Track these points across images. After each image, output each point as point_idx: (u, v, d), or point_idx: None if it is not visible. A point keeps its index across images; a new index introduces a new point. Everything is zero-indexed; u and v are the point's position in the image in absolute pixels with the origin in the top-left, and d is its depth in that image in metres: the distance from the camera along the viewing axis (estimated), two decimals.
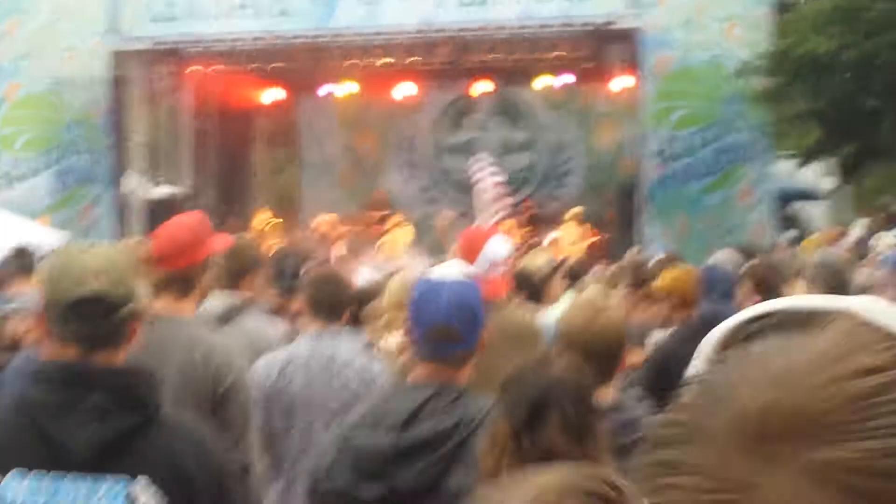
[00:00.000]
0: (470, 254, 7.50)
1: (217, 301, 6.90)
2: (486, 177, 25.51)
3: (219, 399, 5.82)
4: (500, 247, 7.74)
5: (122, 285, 3.96)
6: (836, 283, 8.23)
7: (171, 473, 3.77)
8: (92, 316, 3.91)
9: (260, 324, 7.61)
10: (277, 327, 7.88)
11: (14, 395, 3.90)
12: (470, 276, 5.58)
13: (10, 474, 3.72)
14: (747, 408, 0.97)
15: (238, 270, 7.44)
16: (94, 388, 3.77)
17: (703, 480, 0.97)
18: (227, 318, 6.98)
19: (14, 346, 8.33)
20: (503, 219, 25.28)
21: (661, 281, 9.34)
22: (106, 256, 4.22)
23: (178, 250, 6.25)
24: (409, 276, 8.03)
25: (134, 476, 3.71)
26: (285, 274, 8.82)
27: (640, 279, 10.65)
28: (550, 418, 3.66)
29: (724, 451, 0.96)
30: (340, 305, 7.24)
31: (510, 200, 25.08)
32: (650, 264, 14.01)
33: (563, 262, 14.79)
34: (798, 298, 1.17)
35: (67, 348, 3.92)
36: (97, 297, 3.91)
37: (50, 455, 3.72)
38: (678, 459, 1.00)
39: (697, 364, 1.20)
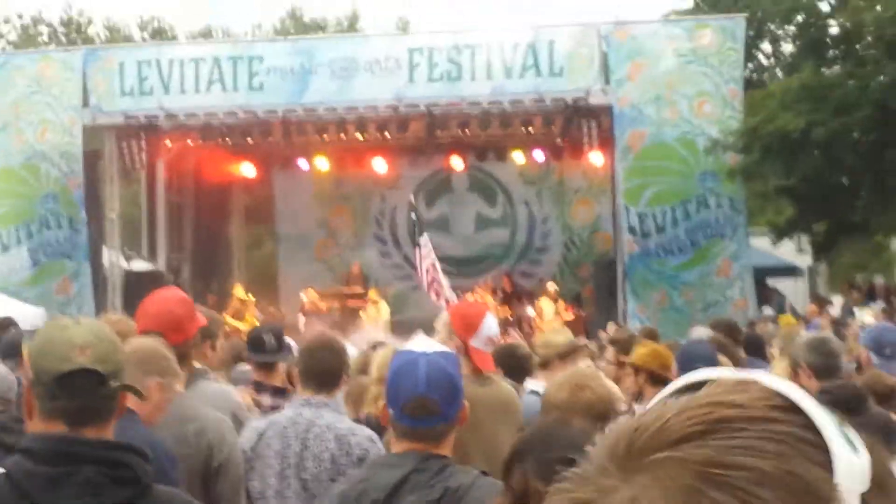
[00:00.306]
0: (465, 329, 7.53)
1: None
2: (426, 260, 25.70)
3: (212, 474, 5.86)
4: (494, 323, 7.81)
5: (108, 360, 3.91)
6: (828, 358, 8.27)
7: None
8: (79, 391, 3.86)
9: (219, 388, 7.65)
10: (234, 394, 7.87)
11: (5, 471, 3.89)
12: (447, 349, 5.59)
13: None
14: (622, 430, 1.17)
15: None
16: (86, 462, 3.73)
17: (583, 486, 1.16)
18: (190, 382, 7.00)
19: None
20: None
21: (633, 356, 9.35)
22: (91, 331, 4.21)
23: (172, 326, 6.28)
24: (388, 352, 8.09)
25: None
26: (267, 348, 8.80)
27: (623, 353, 10.66)
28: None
29: (601, 465, 1.16)
30: (336, 374, 7.25)
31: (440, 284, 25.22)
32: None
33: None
34: (717, 372, 1.28)
35: (55, 424, 3.87)
36: (84, 372, 3.87)
37: None
38: (576, 474, 1.19)
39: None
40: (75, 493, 3.68)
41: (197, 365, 7.09)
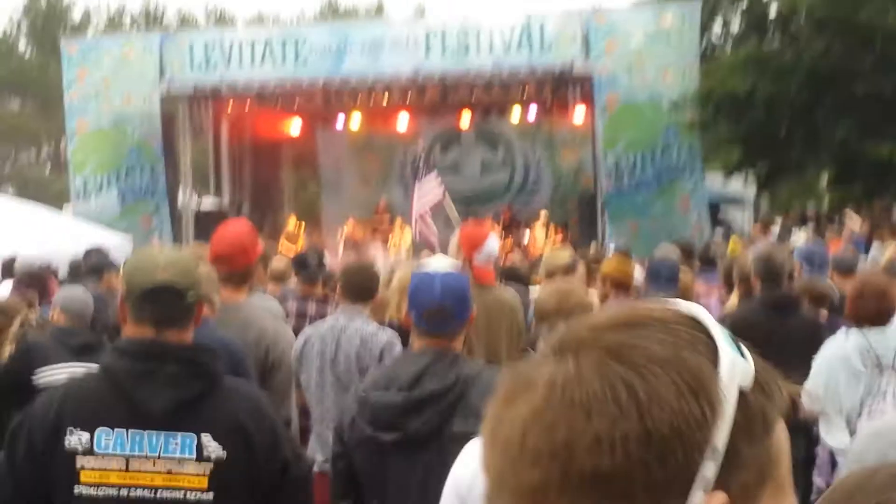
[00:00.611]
0: (470, 247, 7.61)
1: None
2: (430, 187, 25.87)
3: (268, 369, 5.91)
4: (495, 244, 7.89)
5: (186, 277, 3.98)
6: (772, 270, 8.28)
7: (232, 430, 3.78)
8: (162, 302, 3.94)
9: (265, 301, 7.74)
10: (275, 303, 7.94)
11: (102, 367, 3.93)
12: (456, 267, 5.66)
13: (98, 430, 3.73)
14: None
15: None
16: (168, 360, 3.81)
17: (525, 366, 1.25)
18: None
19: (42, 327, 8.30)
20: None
21: (603, 268, 9.41)
22: (173, 255, 4.31)
23: (237, 252, 6.35)
24: (409, 270, 8.16)
25: (202, 432, 3.74)
26: (309, 268, 8.89)
27: (592, 267, 10.69)
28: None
29: (544, 352, 1.26)
30: (368, 289, 7.36)
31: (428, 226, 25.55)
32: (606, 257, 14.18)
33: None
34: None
35: (143, 328, 3.94)
36: (166, 286, 3.95)
37: (131, 415, 3.73)
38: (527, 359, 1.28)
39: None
40: (160, 386, 3.74)
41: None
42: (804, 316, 7.90)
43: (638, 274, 10.43)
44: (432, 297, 4.57)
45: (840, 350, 6.45)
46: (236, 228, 6.87)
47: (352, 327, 6.78)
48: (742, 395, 1.22)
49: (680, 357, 1.20)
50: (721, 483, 1.17)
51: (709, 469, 1.16)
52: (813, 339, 6.97)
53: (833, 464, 6.29)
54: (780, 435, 1.28)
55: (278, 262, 11.13)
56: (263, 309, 7.22)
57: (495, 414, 1.23)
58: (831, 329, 7.74)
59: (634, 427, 1.15)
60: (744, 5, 30.99)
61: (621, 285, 8.65)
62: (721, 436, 1.18)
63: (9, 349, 7.74)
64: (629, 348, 1.20)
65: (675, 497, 1.16)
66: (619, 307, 1.29)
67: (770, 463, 1.26)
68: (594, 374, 1.18)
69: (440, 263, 5.76)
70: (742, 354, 1.26)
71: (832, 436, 6.44)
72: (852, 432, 6.18)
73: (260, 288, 7.72)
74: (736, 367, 1.22)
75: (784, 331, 7.10)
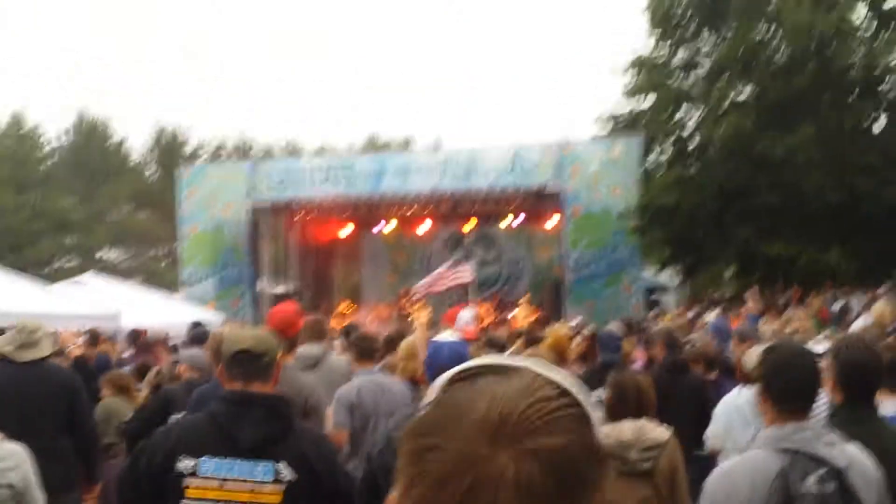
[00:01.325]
0: (450, 320, 7.77)
1: (311, 349, 7.07)
2: (452, 271, 25.92)
3: (306, 413, 5.88)
4: (467, 314, 8.02)
5: (263, 345, 4.03)
6: (672, 340, 8.42)
7: (301, 459, 3.82)
8: (245, 362, 4.00)
9: (340, 360, 7.81)
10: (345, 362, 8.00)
11: (205, 410, 3.98)
12: (459, 337, 5.69)
13: (202, 458, 3.77)
14: (490, 413, 1.03)
15: (320, 332, 7.63)
16: (255, 406, 3.88)
17: (454, 455, 1.02)
18: (318, 359, 7.18)
19: (174, 378, 8.33)
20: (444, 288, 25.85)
21: (548, 339, 9.28)
22: (254, 331, 4.41)
23: (287, 326, 6.41)
24: (411, 340, 8.21)
25: (278, 461, 3.78)
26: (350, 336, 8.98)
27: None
28: None
29: (471, 439, 1.02)
30: (374, 352, 7.40)
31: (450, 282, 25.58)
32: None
33: (580, 327, 14.50)
34: (491, 357, 1.21)
35: (234, 383, 3.99)
36: (247, 351, 4.02)
37: (227, 446, 3.76)
38: (435, 444, 1.04)
39: (431, 392, 1.19)
40: (249, 425, 3.81)
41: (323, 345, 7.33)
42: (693, 376, 8.00)
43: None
44: (442, 360, 4.53)
45: (734, 403, 6.55)
46: (285, 308, 6.96)
47: (388, 383, 6.81)
48: None
49: (588, 443, 1.08)
50: None
51: None
52: (700, 395, 7.07)
53: None
54: None
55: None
56: (335, 366, 7.42)
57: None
58: (719, 386, 7.89)
59: None
60: (672, 139, 31.16)
61: (560, 353, 8.57)
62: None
63: (145, 392, 7.82)
64: (552, 449, 1.05)
65: None
66: (525, 395, 1.10)
67: None
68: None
69: (448, 336, 5.81)
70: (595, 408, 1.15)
71: None
72: None
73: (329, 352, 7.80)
74: (598, 424, 1.14)
75: (678, 388, 7.20)
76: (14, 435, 6.67)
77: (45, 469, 6.53)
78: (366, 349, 7.29)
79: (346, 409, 6.83)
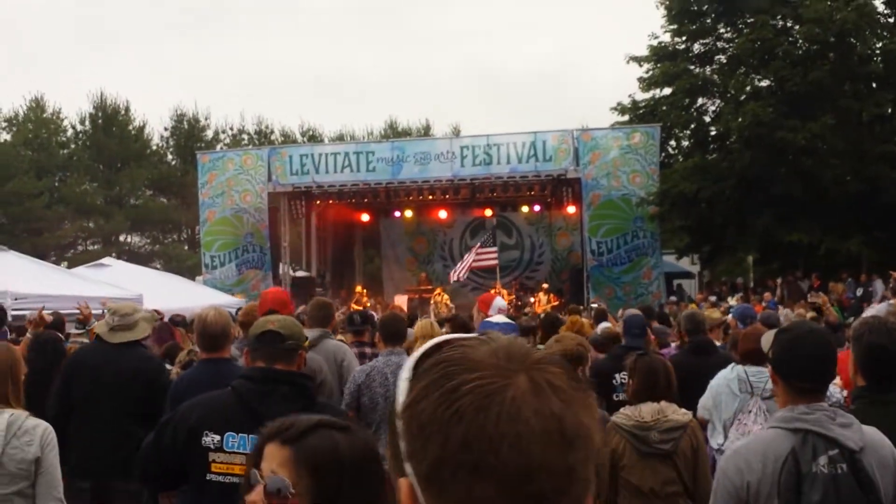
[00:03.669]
0: (485, 307, 7.72)
1: (310, 332, 7.07)
2: (479, 252, 25.97)
3: (316, 388, 5.90)
4: (501, 301, 7.96)
5: (287, 329, 4.07)
6: (696, 324, 8.40)
7: None
8: (269, 343, 4.03)
9: (338, 344, 7.81)
10: (344, 345, 8.01)
11: (232, 387, 3.98)
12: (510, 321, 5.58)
13: (227, 433, 3.80)
14: (497, 351, 1.10)
15: (324, 317, 7.63)
16: (281, 383, 3.91)
17: (488, 379, 1.04)
18: (317, 341, 7.15)
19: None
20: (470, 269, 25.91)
21: (566, 323, 9.32)
22: (280, 317, 4.44)
23: (282, 304, 6.56)
24: (427, 321, 8.20)
25: None
26: (356, 323, 8.87)
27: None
28: None
29: (489, 371, 1.06)
30: (402, 334, 7.37)
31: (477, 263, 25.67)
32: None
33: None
34: (454, 335, 1.23)
35: (258, 362, 4.03)
36: (271, 332, 4.06)
37: (252, 423, 3.71)
38: (463, 379, 1.05)
39: (407, 366, 1.19)
40: (276, 401, 3.82)
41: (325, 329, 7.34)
42: (720, 354, 8.02)
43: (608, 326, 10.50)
44: None
45: (725, 379, 6.67)
46: (277, 290, 7.03)
47: (402, 364, 6.77)
48: None
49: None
50: None
51: None
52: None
53: (713, 458, 6.54)
54: None
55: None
56: (332, 348, 7.47)
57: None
58: None
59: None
60: (691, 127, 31.12)
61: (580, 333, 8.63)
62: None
63: (176, 370, 7.82)
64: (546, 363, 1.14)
65: None
66: (519, 344, 1.18)
67: None
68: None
69: (499, 316, 5.77)
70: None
71: (713, 438, 6.70)
72: (726, 436, 6.48)
73: (330, 334, 7.78)
74: None
75: (706, 367, 7.21)
76: (83, 414, 6.73)
77: (101, 452, 6.58)
78: (390, 332, 7.30)
79: (352, 392, 6.89)
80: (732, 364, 6.85)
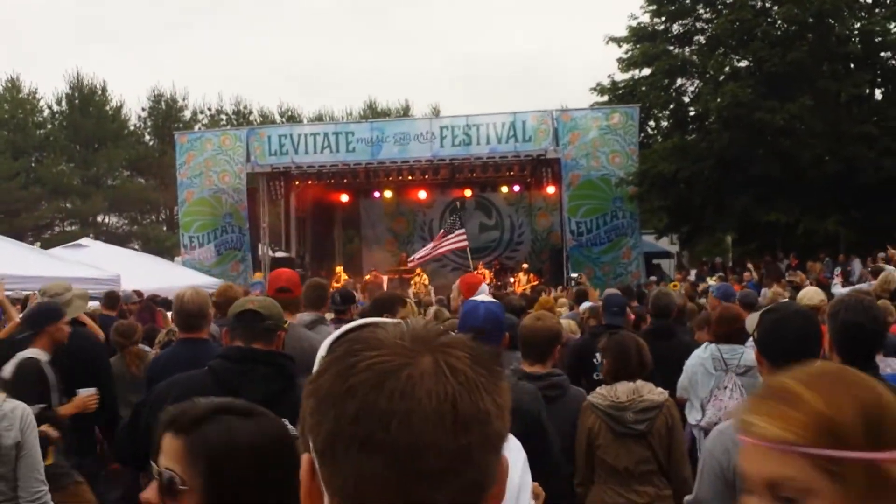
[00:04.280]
0: (469, 292, 7.65)
1: (304, 316, 6.97)
2: (447, 238, 25.90)
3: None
4: (486, 288, 7.90)
5: (266, 310, 4.07)
6: (660, 308, 8.45)
7: None
8: (248, 322, 4.03)
9: (329, 328, 7.76)
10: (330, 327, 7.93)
11: (209, 366, 3.96)
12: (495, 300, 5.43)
13: None
14: (402, 332, 1.12)
15: (318, 298, 7.55)
16: (259, 363, 3.90)
17: (387, 356, 1.07)
18: (312, 325, 7.05)
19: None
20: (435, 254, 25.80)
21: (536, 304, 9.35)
22: (260, 298, 4.45)
23: (293, 285, 6.42)
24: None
25: (281, 418, 3.76)
26: (337, 302, 8.78)
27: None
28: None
29: (396, 347, 1.08)
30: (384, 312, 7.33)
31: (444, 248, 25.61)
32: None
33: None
34: (367, 320, 1.28)
35: (237, 342, 4.02)
36: (251, 312, 4.05)
37: None
38: (366, 356, 1.07)
39: (324, 345, 1.25)
40: (253, 382, 3.83)
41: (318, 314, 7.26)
42: (680, 339, 8.03)
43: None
44: (476, 320, 4.33)
45: (700, 358, 6.75)
46: (289, 270, 6.92)
47: None
48: None
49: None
50: None
51: None
52: (685, 356, 7.14)
53: (692, 435, 6.62)
54: None
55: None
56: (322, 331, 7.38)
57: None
58: None
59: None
60: (670, 108, 31.19)
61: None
62: None
63: (153, 354, 7.74)
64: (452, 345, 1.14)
65: None
66: (426, 324, 1.20)
67: None
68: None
69: (485, 296, 5.68)
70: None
71: (691, 415, 6.79)
72: (703, 413, 6.59)
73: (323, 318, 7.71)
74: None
75: (667, 350, 7.23)
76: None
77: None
78: (378, 313, 7.28)
79: None
80: (706, 343, 6.90)
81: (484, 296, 5.27)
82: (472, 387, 1.08)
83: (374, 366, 1.06)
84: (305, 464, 1.12)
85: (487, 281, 26.61)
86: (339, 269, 30.51)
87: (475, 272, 21.67)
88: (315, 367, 1.16)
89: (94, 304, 10.12)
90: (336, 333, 1.22)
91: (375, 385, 1.05)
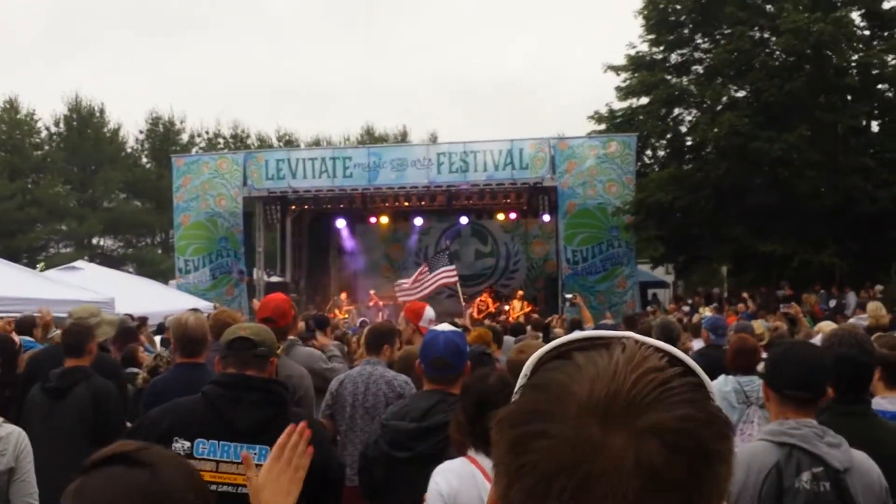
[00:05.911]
0: (415, 317, 7.72)
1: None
2: (434, 273, 25.76)
3: (298, 401, 5.85)
4: (430, 312, 7.92)
5: (259, 336, 4.08)
6: (669, 334, 8.45)
7: None
8: (240, 349, 4.02)
9: (308, 349, 7.76)
10: (316, 353, 7.91)
11: (202, 393, 3.96)
12: (455, 328, 5.49)
13: (197, 440, 3.77)
14: (596, 393, 0.91)
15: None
16: (252, 390, 3.90)
17: (562, 443, 0.89)
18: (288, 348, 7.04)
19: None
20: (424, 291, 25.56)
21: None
22: (252, 324, 4.44)
23: (280, 314, 6.35)
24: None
25: (271, 445, 3.73)
26: (310, 327, 8.73)
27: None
28: (489, 411, 3.60)
29: (579, 422, 0.89)
30: (379, 345, 7.30)
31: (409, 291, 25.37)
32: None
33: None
34: (587, 332, 1.07)
35: (230, 368, 4.01)
36: (243, 339, 4.05)
37: (222, 430, 3.79)
38: (540, 430, 0.91)
39: (524, 374, 1.06)
40: (245, 409, 3.83)
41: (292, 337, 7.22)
42: None
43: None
44: (437, 350, 4.48)
45: (722, 392, 6.70)
46: (276, 297, 6.81)
47: (376, 373, 6.68)
48: None
49: (708, 411, 0.98)
50: None
51: None
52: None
53: None
54: None
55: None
56: (304, 355, 7.39)
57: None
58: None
59: None
60: (667, 137, 31.27)
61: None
62: None
63: (143, 377, 7.73)
64: (673, 423, 0.93)
65: None
66: (628, 368, 0.96)
67: None
68: None
69: (446, 326, 5.72)
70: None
71: None
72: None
73: (298, 342, 7.70)
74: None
75: None
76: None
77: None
78: (369, 342, 7.28)
79: (327, 400, 6.82)
80: (724, 375, 6.90)
81: (445, 325, 5.29)
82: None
83: (550, 452, 0.91)
84: (491, 494, 1.01)
85: (491, 309, 26.66)
86: (344, 295, 30.61)
87: (479, 299, 21.59)
88: (517, 384, 1.06)
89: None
90: (536, 356, 1.06)
91: (548, 474, 0.90)
